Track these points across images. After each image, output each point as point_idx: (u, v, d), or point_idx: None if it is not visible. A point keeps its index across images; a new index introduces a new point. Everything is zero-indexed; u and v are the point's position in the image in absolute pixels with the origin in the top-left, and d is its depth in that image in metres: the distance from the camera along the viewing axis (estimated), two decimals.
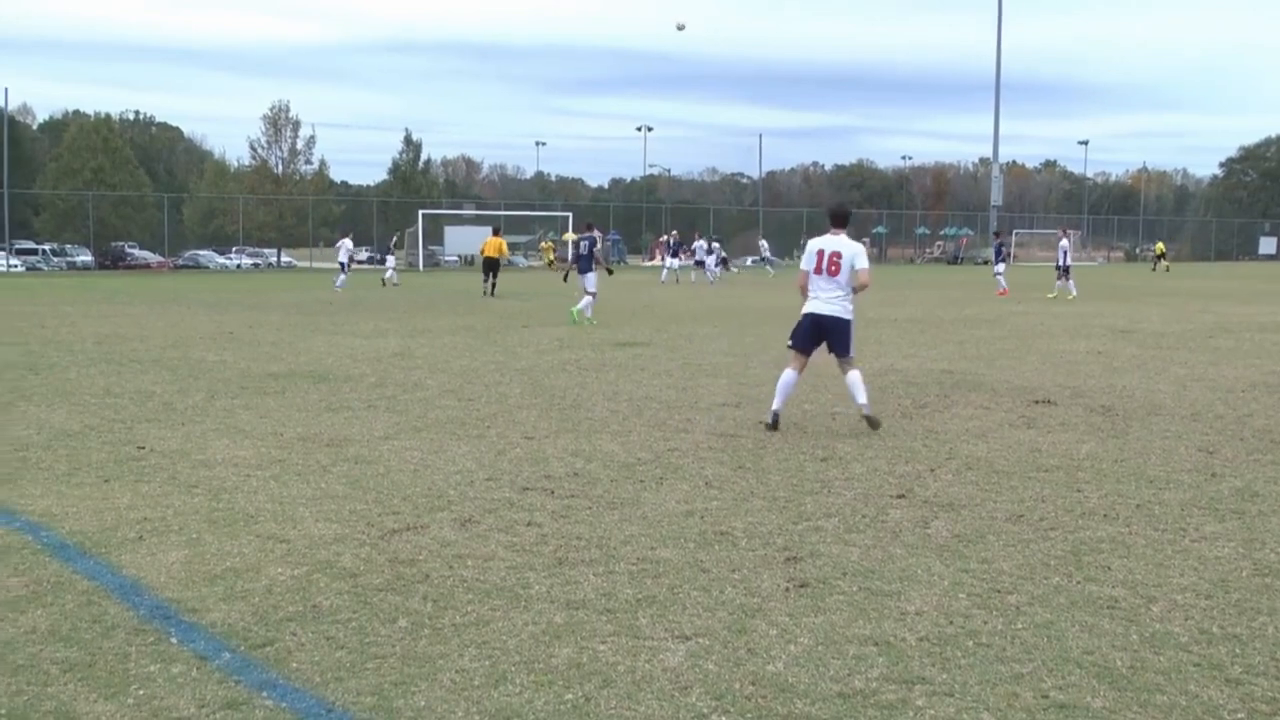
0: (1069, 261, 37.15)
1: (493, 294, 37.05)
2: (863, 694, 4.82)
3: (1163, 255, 76.50)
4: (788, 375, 11.27)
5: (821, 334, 11.23)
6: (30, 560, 6.72)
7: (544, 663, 5.14)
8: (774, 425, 11.10)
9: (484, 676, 4.99)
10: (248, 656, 5.22)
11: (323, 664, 5.12)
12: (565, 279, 36.12)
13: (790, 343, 11.49)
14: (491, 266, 38.02)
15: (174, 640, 5.42)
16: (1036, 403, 12.87)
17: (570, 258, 27.11)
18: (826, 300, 11.13)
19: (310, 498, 8.26)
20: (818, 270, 11.15)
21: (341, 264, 43.72)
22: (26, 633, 5.50)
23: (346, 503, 8.10)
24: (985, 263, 70.54)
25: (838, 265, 11.05)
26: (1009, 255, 42.43)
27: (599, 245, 27.47)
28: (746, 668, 5.09)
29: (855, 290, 11.13)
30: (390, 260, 49.74)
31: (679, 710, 4.67)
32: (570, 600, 5.99)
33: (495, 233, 41.31)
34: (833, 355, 11.31)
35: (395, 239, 55.13)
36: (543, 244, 59.53)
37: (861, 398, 11.11)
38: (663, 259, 52.03)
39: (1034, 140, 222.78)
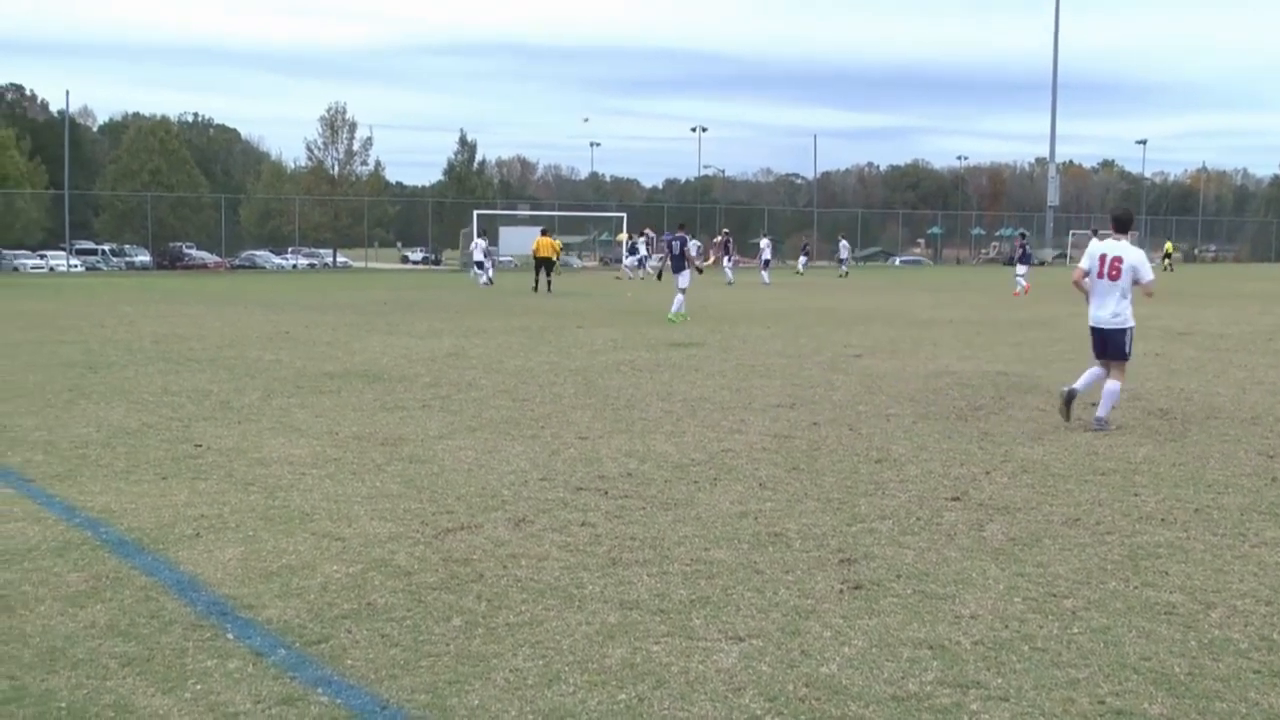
0: None
1: (549, 290, 37.93)
2: (917, 697, 4.79)
3: (1169, 255, 76.48)
4: (1096, 369, 11.62)
5: (1105, 343, 11.55)
6: (90, 556, 6.80)
7: (597, 663, 5.15)
8: (1068, 401, 11.41)
9: (537, 676, 5.01)
10: (303, 653, 5.26)
11: (377, 661, 5.15)
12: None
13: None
14: (545, 265, 38.87)
15: (230, 636, 5.46)
16: (1093, 405, 12.75)
17: (664, 257, 27.65)
18: (1106, 309, 11.46)
19: (365, 496, 8.31)
20: (1099, 274, 11.48)
21: (479, 262, 45.45)
22: (86, 627, 5.57)
23: (401, 501, 8.14)
24: (1042, 263, 70.31)
25: (1118, 270, 11.37)
26: (1030, 256, 42.72)
27: (689, 245, 27.75)
28: (800, 669, 5.08)
29: (1145, 292, 11.71)
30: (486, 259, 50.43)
31: (732, 711, 4.66)
32: (624, 600, 6.00)
33: (544, 233, 41.93)
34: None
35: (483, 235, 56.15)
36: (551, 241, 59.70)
37: (1102, 410, 11.32)
38: (725, 259, 51.85)
39: (1091, 140, 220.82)
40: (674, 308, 25.85)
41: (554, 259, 39.97)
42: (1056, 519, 7.77)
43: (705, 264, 43.68)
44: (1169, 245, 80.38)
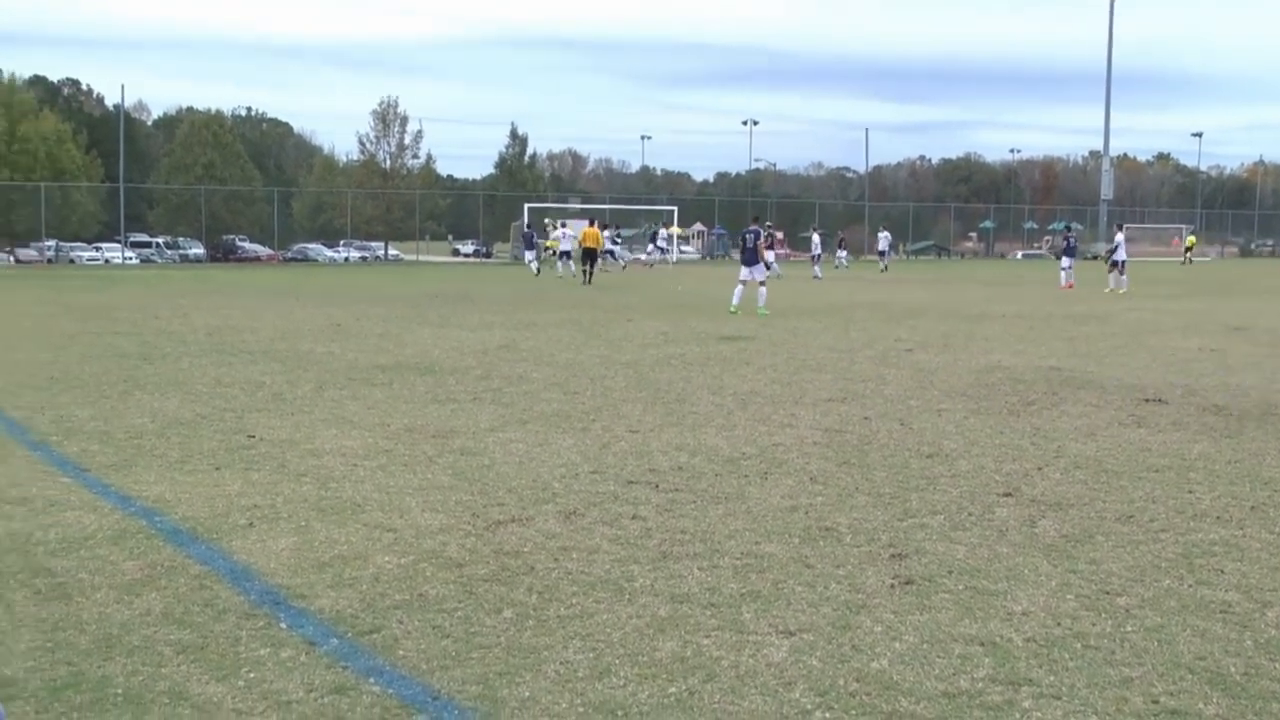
0: (1124, 256, 37.35)
1: (588, 282, 38.23)
2: (968, 694, 4.77)
3: (1190, 248, 76.12)
4: None
5: None
6: (145, 545, 6.86)
7: (648, 656, 5.15)
8: None
9: (588, 668, 5.01)
10: (355, 643, 5.29)
11: (429, 652, 5.18)
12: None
13: None
14: (590, 256, 39.45)
15: (283, 625, 5.51)
16: (1147, 401, 12.66)
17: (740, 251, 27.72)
18: None
19: (417, 488, 8.35)
20: None
21: (565, 251, 45.84)
22: (141, 615, 5.63)
23: (452, 493, 8.18)
24: (1094, 257, 69.68)
25: None
26: (1075, 249, 42.78)
27: (763, 238, 27.84)
28: (851, 664, 5.07)
29: None
30: (618, 250, 51.10)
31: (783, 706, 4.66)
32: (674, 594, 6.00)
33: (592, 224, 42.70)
34: None
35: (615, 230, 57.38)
36: (551, 237, 58.63)
37: None
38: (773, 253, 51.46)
39: (1146, 133, 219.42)
40: (761, 302, 25.91)
41: (596, 249, 40.66)
42: (1110, 515, 7.71)
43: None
44: (1190, 238, 79.63)
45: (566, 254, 45.84)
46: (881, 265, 59.93)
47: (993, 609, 5.80)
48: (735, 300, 26.26)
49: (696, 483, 8.57)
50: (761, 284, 26.26)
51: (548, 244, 54.78)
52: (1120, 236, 38.36)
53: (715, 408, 12.07)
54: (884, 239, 61.97)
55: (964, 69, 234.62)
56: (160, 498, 8.01)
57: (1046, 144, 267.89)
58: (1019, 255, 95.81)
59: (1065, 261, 40.52)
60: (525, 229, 54.58)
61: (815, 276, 47.52)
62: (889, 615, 5.69)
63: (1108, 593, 6.07)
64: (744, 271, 26.45)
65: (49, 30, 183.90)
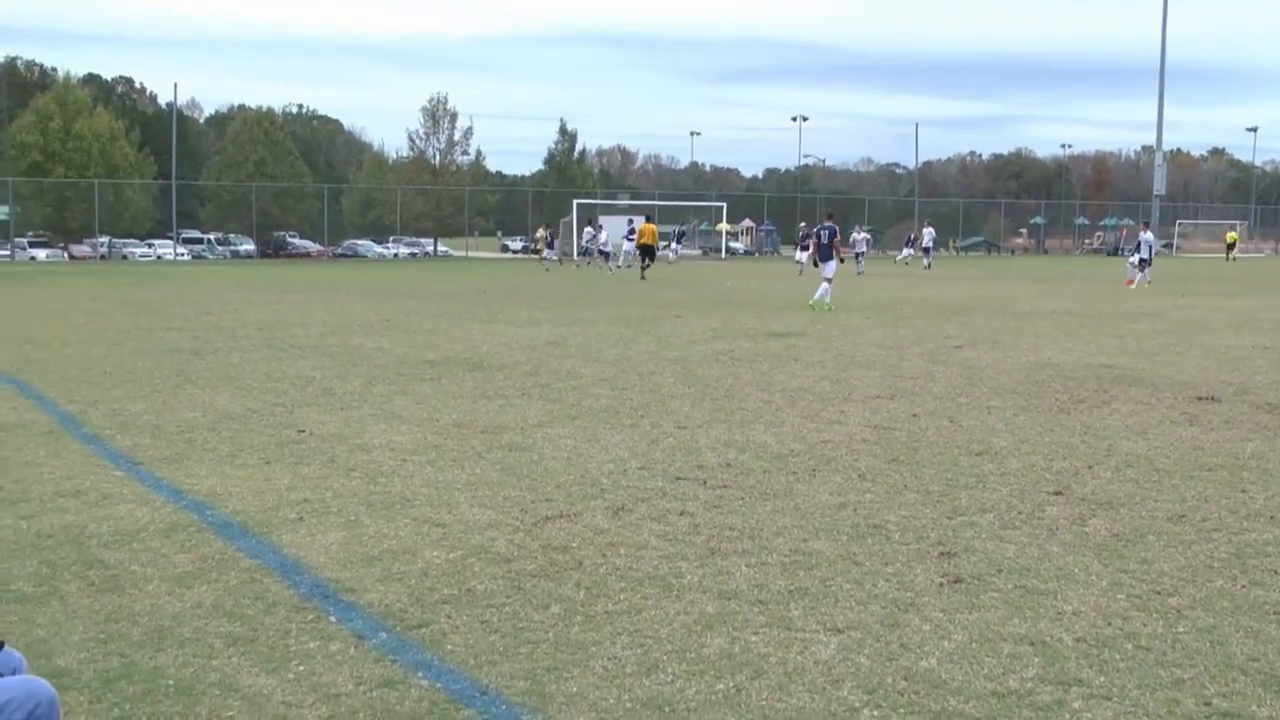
0: (1150, 254, 37.48)
1: (642, 277, 38.81)
2: (1017, 694, 4.74)
3: (1232, 245, 74.66)
4: None
5: None
6: (196, 538, 6.92)
7: (696, 652, 5.15)
8: None
9: (636, 664, 5.02)
10: (404, 637, 5.31)
11: (477, 647, 5.19)
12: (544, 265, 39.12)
13: None
14: (648, 252, 40.21)
15: (333, 619, 5.54)
16: (1199, 399, 12.53)
17: (811, 247, 27.67)
18: None
19: (465, 483, 8.37)
20: None
21: (605, 251, 46.17)
22: (193, 607, 5.67)
23: (501, 489, 8.20)
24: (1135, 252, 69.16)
25: None
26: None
27: (838, 235, 27.90)
28: (899, 663, 5.05)
29: None
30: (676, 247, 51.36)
31: (830, 703, 4.64)
32: (722, 590, 5.99)
33: (648, 220, 43.33)
34: None
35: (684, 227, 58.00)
36: (540, 231, 57.60)
37: None
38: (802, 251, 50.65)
39: (1200, 127, 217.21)
40: (818, 294, 26.05)
41: (653, 245, 41.40)
42: (1161, 515, 7.64)
43: (803, 255, 44.02)
44: (1232, 235, 78.32)
45: (605, 253, 46.30)
46: (925, 262, 58.61)
47: (1042, 608, 5.75)
48: (817, 296, 26.37)
49: (745, 479, 8.56)
50: (828, 280, 26.32)
51: (537, 244, 54.82)
52: (1149, 236, 38.60)
53: (764, 404, 12.05)
54: (928, 235, 60.67)
55: (1015, 63, 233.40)
56: (211, 491, 8.08)
57: (1098, 139, 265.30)
58: (1079, 252, 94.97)
59: (1135, 258, 40.41)
60: (547, 226, 55.09)
61: (859, 273, 47.34)
62: (938, 613, 5.66)
63: (1159, 593, 6.02)
64: (826, 268, 26.52)
65: (103, 29, 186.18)
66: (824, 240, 26.93)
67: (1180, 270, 44.12)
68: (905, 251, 63.90)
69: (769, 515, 7.52)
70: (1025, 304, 28.81)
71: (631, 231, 54.92)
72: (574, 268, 51.17)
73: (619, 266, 47.89)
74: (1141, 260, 37.66)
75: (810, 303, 25.67)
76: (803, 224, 57.07)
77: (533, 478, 8.56)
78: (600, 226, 52.80)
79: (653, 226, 43.52)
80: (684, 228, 63.66)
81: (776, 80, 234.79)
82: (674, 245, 61.08)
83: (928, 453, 9.60)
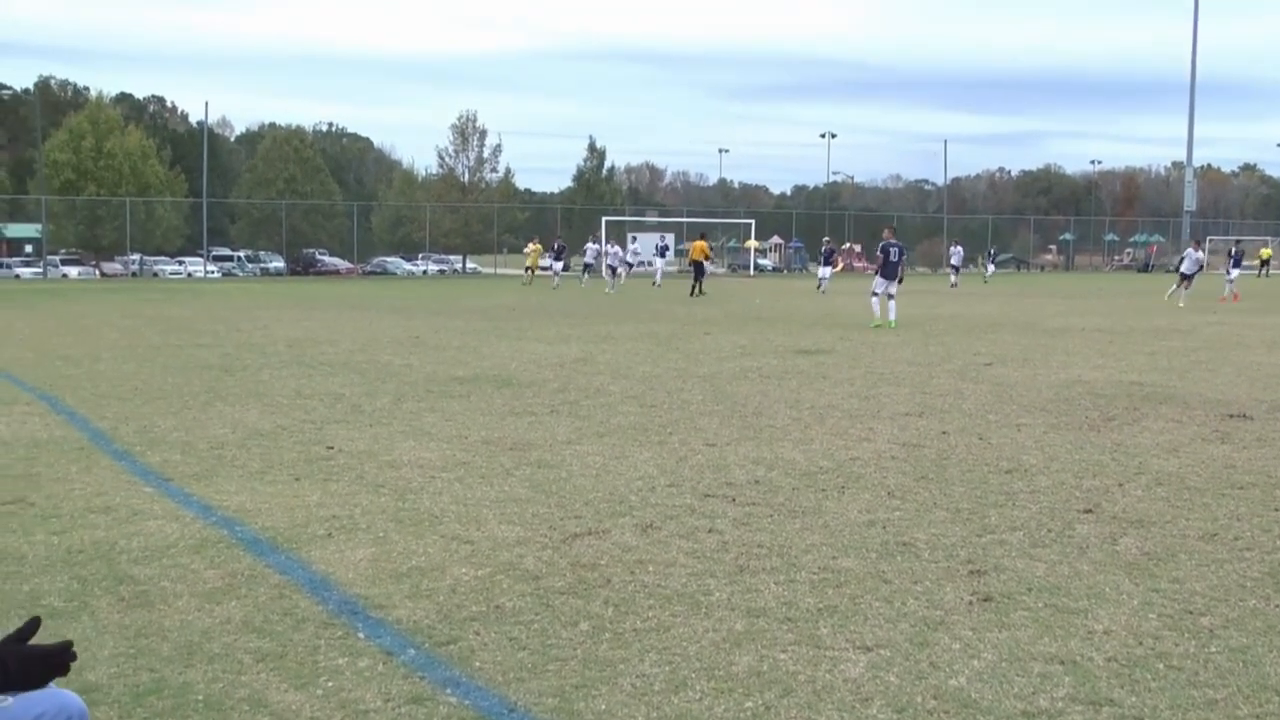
0: (1193, 270, 37.18)
1: (698, 293, 39.23)
2: (1048, 714, 4.71)
3: (1266, 261, 72.77)
4: None
5: None
6: (226, 554, 6.95)
7: (724, 670, 5.14)
8: None
9: (664, 682, 5.01)
10: (432, 654, 5.32)
11: (505, 664, 5.19)
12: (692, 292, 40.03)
13: None
14: (697, 269, 40.54)
15: (361, 635, 5.54)
16: (1231, 417, 12.45)
17: (879, 265, 27.51)
18: None
19: (494, 500, 8.38)
20: None
21: (612, 267, 46.10)
22: (222, 623, 5.69)
23: (529, 506, 8.20)
24: (1175, 270, 68.41)
25: None
26: (1240, 259, 42.92)
27: (906, 254, 28.00)
28: (928, 681, 5.02)
29: None
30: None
31: None
32: (751, 608, 5.98)
33: (702, 238, 43.70)
34: None
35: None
36: (530, 246, 56.42)
37: None
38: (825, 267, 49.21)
39: (1231, 142, 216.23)
40: (890, 314, 25.89)
41: (702, 262, 41.50)
42: (1193, 534, 7.58)
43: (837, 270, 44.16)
44: (1266, 250, 77.09)
45: (613, 269, 46.15)
46: (952, 280, 56.08)
47: (1073, 627, 5.72)
48: (879, 313, 26.25)
49: (773, 496, 8.54)
50: (891, 297, 26.26)
51: (527, 260, 54.29)
52: (1197, 253, 38.31)
53: (792, 421, 12.03)
54: (956, 254, 59.36)
55: (1044, 79, 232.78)
56: (241, 508, 8.11)
57: (1128, 155, 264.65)
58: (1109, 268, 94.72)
59: (1233, 273, 40.32)
60: (558, 241, 54.67)
61: (953, 285, 47.03)
62: (967, 632, 5.63)
63: (1191, 612, 5.97)
64: (890, 285, 26.40)
65: (136, 49, 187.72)
66: (893, 259, 26.78)
67: (1213, 287, 43.83)
68: (990, 267, 62.80)
69: (798, 533, 7.50)
70: (1054, 320, 28.70)
71: (665, 248, 54.96)
72: (579, 285, 50.89)
73: (611, 290, 46.06)
74: (1183, 275, 37.40)
75: (875, 323, 25.50)
76: (826, 239, 56.28)
77: (561, 495, 8.56)
78: (611, 241, 52.33)
79: (703, 244, 43.53)
80: (664, 242, 61.96)
81: (805, 97, 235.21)
82: (651, 260, 58.15)
83: (957, 470, 9.56)
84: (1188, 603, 6.12)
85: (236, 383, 15.09)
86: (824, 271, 48.40)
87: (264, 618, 5.77)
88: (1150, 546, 7.23)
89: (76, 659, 2.17)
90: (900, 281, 27.07)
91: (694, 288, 41.10)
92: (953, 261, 59.31)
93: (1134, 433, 11.47)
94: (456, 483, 8.96)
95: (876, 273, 27.33)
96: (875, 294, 26.46)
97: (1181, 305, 35.07)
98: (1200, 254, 38.69)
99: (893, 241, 27.18)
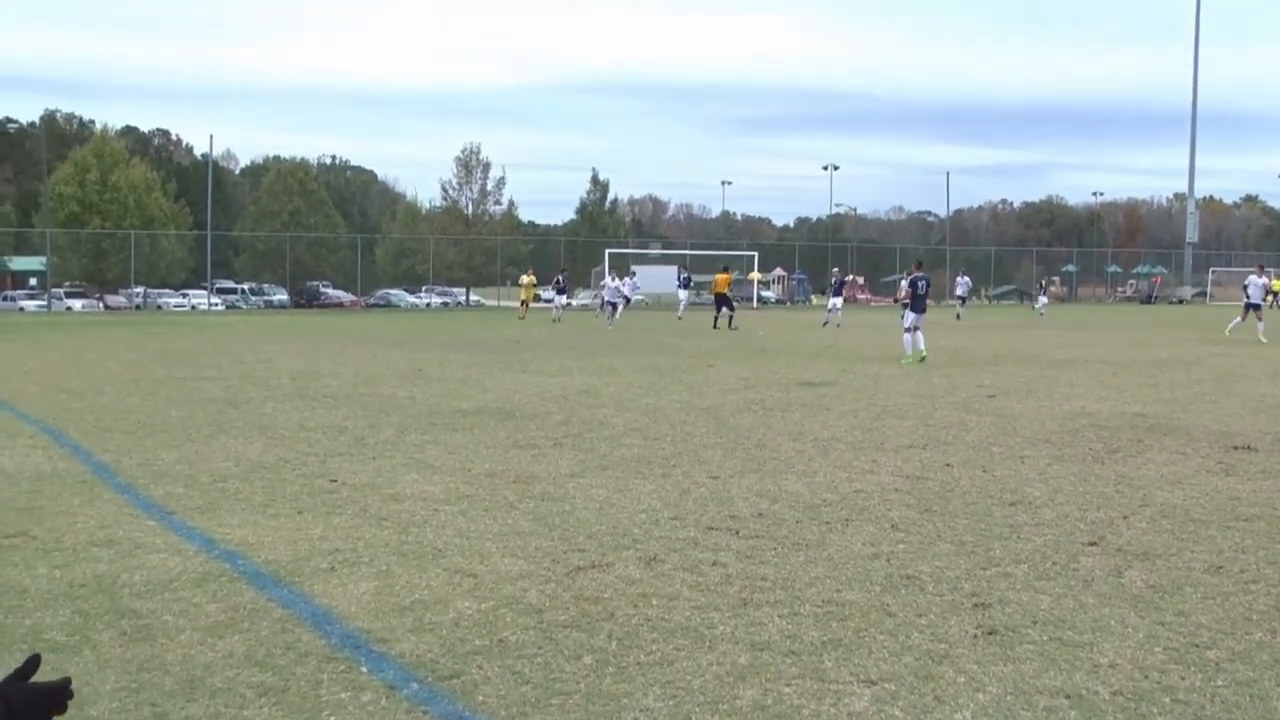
0: (1259, 298, 34.86)
1: (730, 326, 39.70)
2: None
3: (1276, 294, 71.95)
4: None
5: None
6: (228, 587, 6.93)
7: (728, 704, 5.12)
8: None
9: (668, 716, 4.99)
10: (435, 688, 5.30)
11: (508, 698, 5.17)
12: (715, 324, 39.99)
13: None
14: (722, 302, 40.42)
15: (364, 669, 5.53)
16: (1236, 449, 12.43)
17: (906, 297, 27.11)
18: None
19: (497, 533, 8.37)
20: None
21: (612, 302, 45.36)
22: (224, 657, 5.68)
23: (533, 539, 8.19)
24: (1180, 302, 67.83)
25: None
26: None
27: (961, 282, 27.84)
28: (933, 715, 5.00)
29: None
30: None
31: None
32: (755, 641, 5.96)
33: (725, 270, 43.62)
34: None
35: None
36: (525, 278, 54.87)
37: None
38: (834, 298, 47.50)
39: (1232, 174, 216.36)
40: (922, 347, 25.50)
41: (727, 294, 41.39)
42: (1198, 566, 7.56)
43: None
44: (1277, 282, 76.61)
45: (613, 304, 45.66)
46: (956, 312, 54.23)
47: (1078, 661, 5.70)
48: (912, 350, 25.59)
49: (777, 529, 8.53)
50: (916, 329, 25.83)
51: (522, 293, 53.51)
52: (1262, 279, 35.59)
53: (796, 454, 12.02)
54: (963, 284, 58.03)
55: (1046, 111, 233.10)
56: (243, 541, 8.10)
57: (1130, 186, 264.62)
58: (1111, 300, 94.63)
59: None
60: (562, 275, 54.04)
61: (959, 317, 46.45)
62: (972, 666, 5.62)
63: (1197, 645, 5.95)
64: (920, 319, 25.99)
65: (142, 82, 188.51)
66: (921, 291, 26.50)
67: (1219, 319, 43.80)
68: (1042, 299, 61.69)
69: (802, 566, 7.49)
70: (1058, 352, 28.69)
71: (687, 282, 54.55)
72: (593, 317, 50.57)
73: (612, 323, 45.09)
74: (1249, 306, 34.95)
75: (906, 359, 25.11)
76: (835, 269, 55.48)
77: (565, 528, 8.55)
78: (613, 275, 51.73)
79: (726, 276, 43.36)
80: (686, 273, 59.79)
81: (808, 129, 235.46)
82: (619, 284, 55.57)
83: (961, 503, 9.55)
84: (1193, 636, 6.10)
85: (240, 415, 15.09)
86: (835, 302, 45.91)
87: (266, 652, 5.76)
88: (1155, 579, 7.22)
89: (74, 696, 2.16)
90: (958, 318, 26.67)
91: (720, 319, 40.78)
92: (958, 293, 58.21)
93: (1138, 465, 11.46)
94: (460, 516, 8.95)
95: (906, 307, 26.81)
96: (908, 330, 25.95)
97: (1264, 341, 32.42)
98: (1264, 279, 36.15)
99: (922, 274, 26.99)
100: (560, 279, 52.89)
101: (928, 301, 26.90)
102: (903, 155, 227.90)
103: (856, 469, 11.13)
